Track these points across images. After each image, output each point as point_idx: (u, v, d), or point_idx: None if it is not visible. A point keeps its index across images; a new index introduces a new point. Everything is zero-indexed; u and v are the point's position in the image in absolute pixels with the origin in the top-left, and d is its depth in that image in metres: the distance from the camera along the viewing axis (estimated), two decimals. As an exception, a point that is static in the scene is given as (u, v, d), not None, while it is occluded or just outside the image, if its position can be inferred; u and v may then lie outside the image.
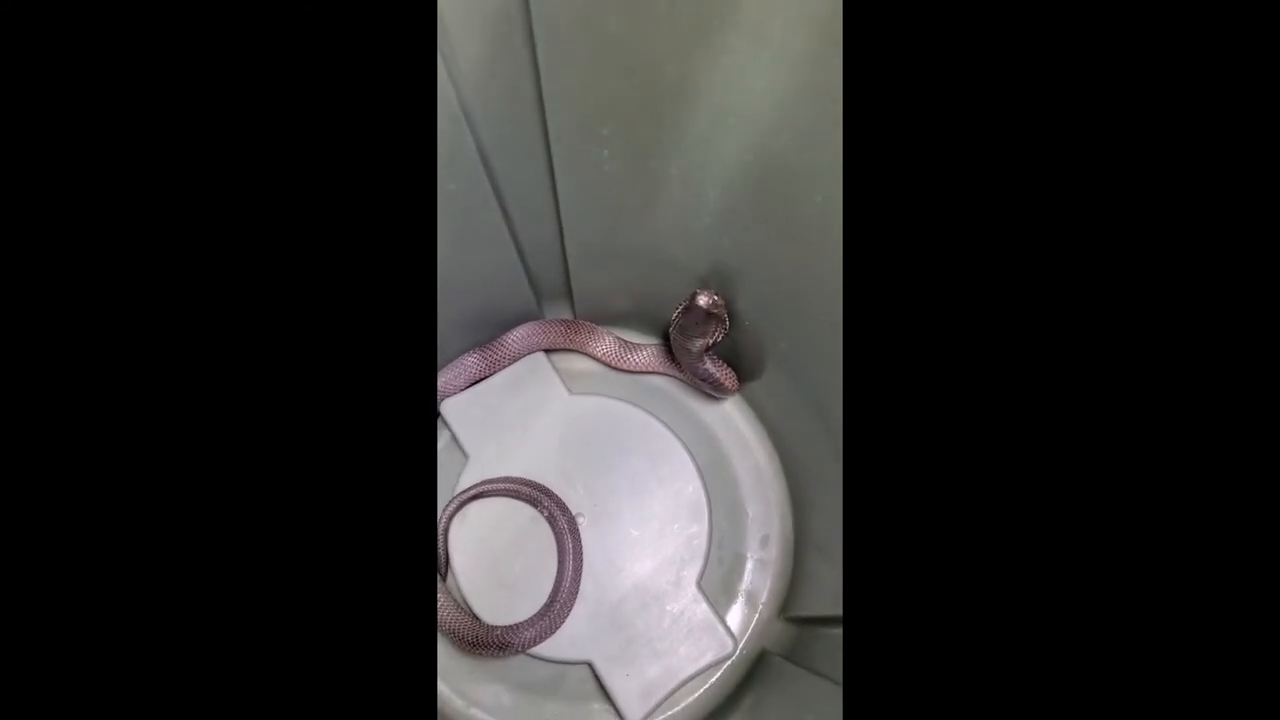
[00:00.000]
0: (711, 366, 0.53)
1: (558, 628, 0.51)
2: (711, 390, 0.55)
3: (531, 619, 0.50)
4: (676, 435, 0.55)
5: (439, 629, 0.51)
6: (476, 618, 0.51)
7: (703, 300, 0.46)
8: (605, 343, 0.58)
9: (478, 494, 0.54)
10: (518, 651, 0.50)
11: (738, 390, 0.55)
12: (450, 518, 0.53)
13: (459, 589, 0.52)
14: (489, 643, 0.50)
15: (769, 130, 0.35)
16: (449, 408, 0.56)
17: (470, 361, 0.57)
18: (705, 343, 0.50)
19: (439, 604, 0.51)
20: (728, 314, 0.48)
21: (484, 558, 0.53)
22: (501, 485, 0.54)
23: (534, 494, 0.53)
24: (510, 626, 0.50)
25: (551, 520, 0.53)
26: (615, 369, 0.58)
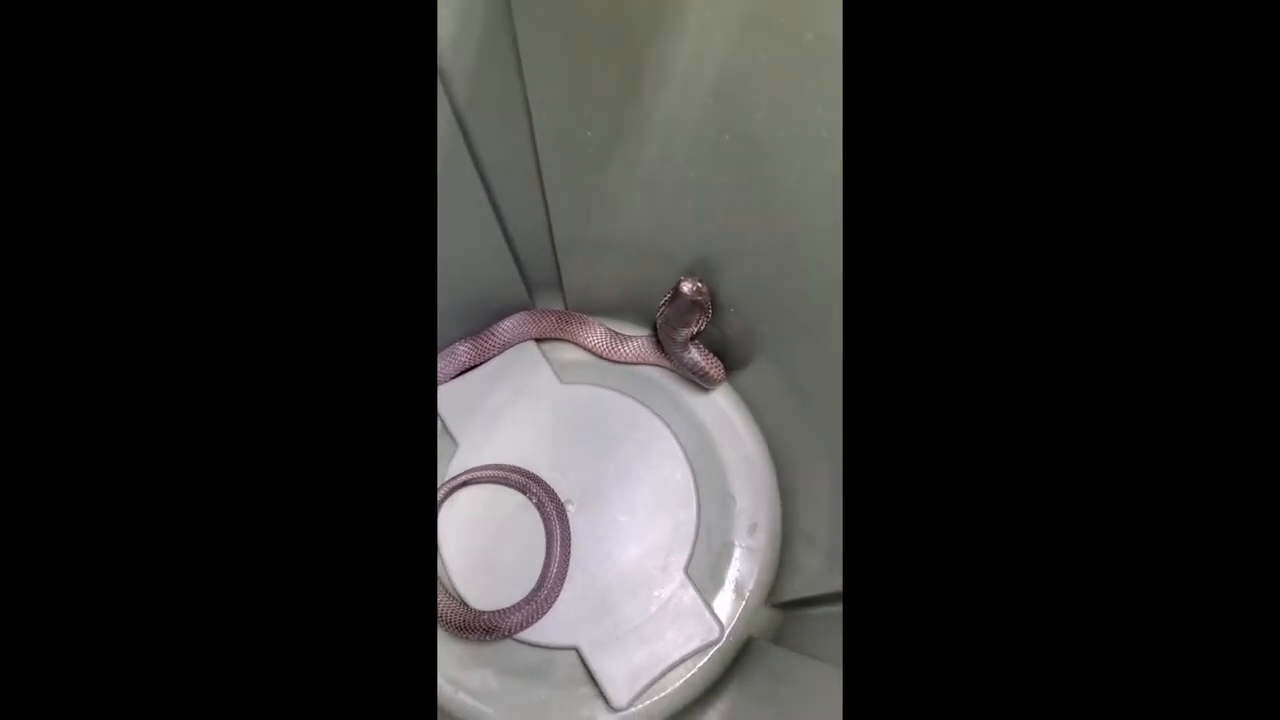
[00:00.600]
0: (698, 356, 0.53)
1: (545, 613, 0.51)
2: (699, 380, 0.55)
3: (518, 604, 0.50)
4: (666, 423, 0.56)
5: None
6: (464, 602, 0.51)
7: (687, 288, 0.47)
8: (596, 334, 0.59)
9: (466, 481, 0.54)
10: (505, 636, 0.50)
11: (724, 380, 0.56)
12: (439, 504, 0.54)
13: (447, 574, 0.52)
14: (476, 627, 0.50)
15: (743, 107, 0.36)
16: (439, 395, 0.57)
17: (461, 350, 0.57)
18: (690, 331, 0.51)
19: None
20: (711, 301, 0.49)
21: (473, 543, 0.53)
22: (490, 472, 0.54)
23: (522, 481, 0.54)
24: (497, 611, 0.50)
25: (540, 506, 0.53)
26: (606, 360, 0.59)
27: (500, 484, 0.54)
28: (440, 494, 0.54)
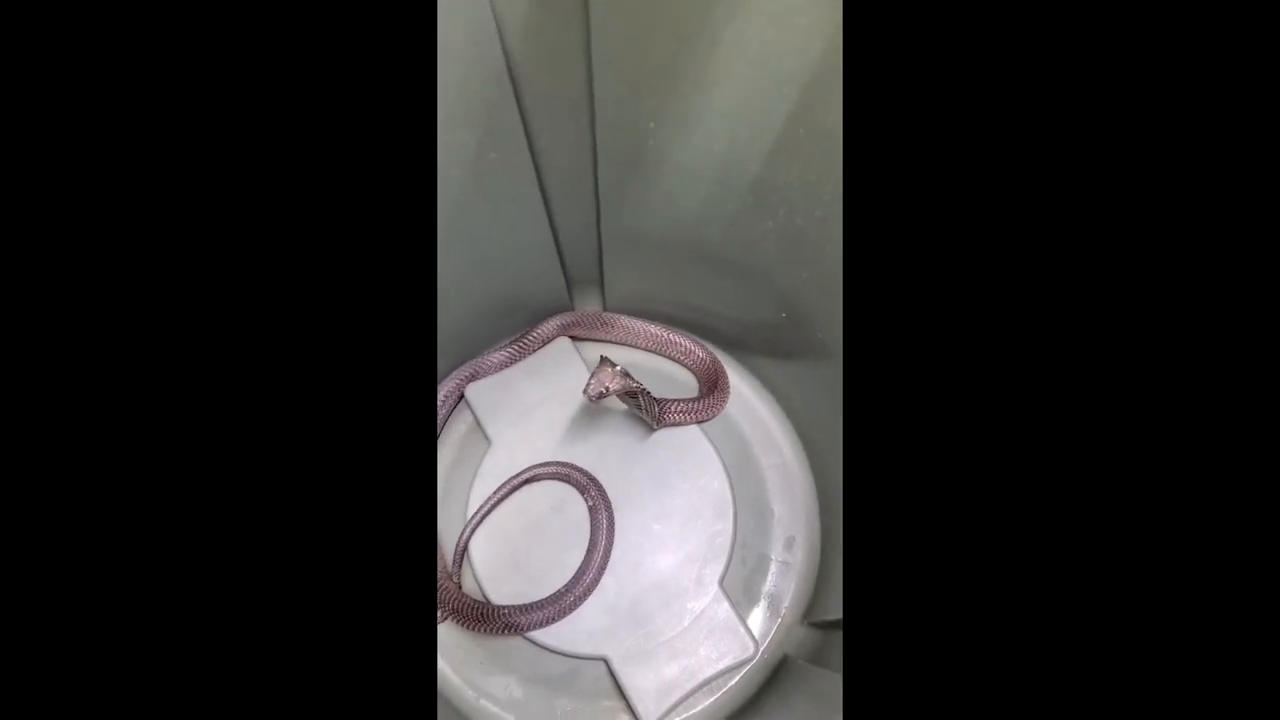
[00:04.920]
0: (681, 417, 0.54)
1: (566, 615, 0.49)
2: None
3: (541, 601, 0.49)
4: (702, 430, 0.54)
5: (446, 611, 0.49)
6: (485, 596, 0.50)
7: (592, 392, 0.46)
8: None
9: (530, 478, 0.53)
10: (524, 632, 0.49)
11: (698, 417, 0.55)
12: (504, 499, 0.53)
13: (474, 571, 0.51)
14: (494, 619, 0.48)
15: (822, 99, 0.34)
16: (473, 392, 0.55)
17: (499, 354, 0.56)
18: (650, 419, 0.51)
19: (443, 586, 0.49)
20: (622, 378, 0.47)
21: (502, 544, 0.52)
22: (553, 469, 0.53)
23: (584, 481, 0.52)
24: (518, 607, 0.49)
25: (592, 511, 0.51)
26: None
27: (563, 480, 0.53)
28: (504, 491, 0.52)
